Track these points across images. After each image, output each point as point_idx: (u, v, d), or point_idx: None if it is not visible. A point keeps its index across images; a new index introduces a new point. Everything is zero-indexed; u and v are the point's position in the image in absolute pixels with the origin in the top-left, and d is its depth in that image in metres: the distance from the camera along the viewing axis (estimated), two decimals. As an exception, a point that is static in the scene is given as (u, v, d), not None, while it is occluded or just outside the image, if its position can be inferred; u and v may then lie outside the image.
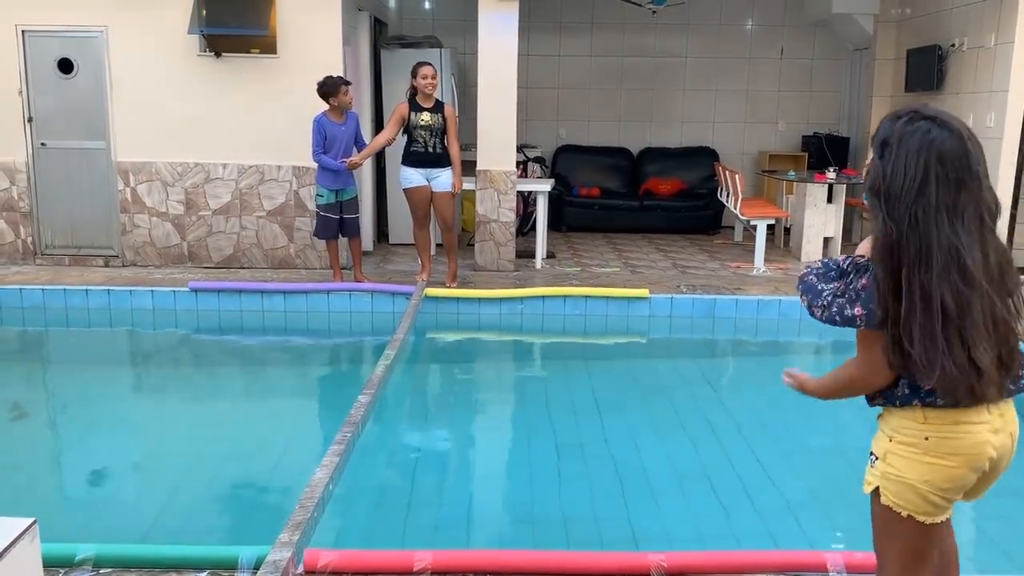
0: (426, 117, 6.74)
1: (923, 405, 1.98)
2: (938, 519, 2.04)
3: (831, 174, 8.67)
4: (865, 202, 2.00)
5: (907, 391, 1.99)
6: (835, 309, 2.00)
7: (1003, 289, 1.95)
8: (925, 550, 2.07)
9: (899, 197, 1.90)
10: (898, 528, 2.05)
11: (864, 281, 1.96)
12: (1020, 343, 2.00)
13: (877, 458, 2.07)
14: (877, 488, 2.07)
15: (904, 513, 2.03)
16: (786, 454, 4.47)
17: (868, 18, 9.74)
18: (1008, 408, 2.04)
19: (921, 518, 2.02)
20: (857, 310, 1.96)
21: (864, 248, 2.02)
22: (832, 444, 4.74)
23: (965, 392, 1.92)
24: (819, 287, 2.05)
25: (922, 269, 1.88)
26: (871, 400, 2.09)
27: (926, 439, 1.98)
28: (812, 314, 2.07)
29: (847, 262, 2.03)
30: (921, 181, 1.88)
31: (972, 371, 1.90)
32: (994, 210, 1.96)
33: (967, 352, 1.89)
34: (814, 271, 2.09)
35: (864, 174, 2.06)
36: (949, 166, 1.88)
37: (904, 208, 1.89)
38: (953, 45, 8.42)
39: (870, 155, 2.05)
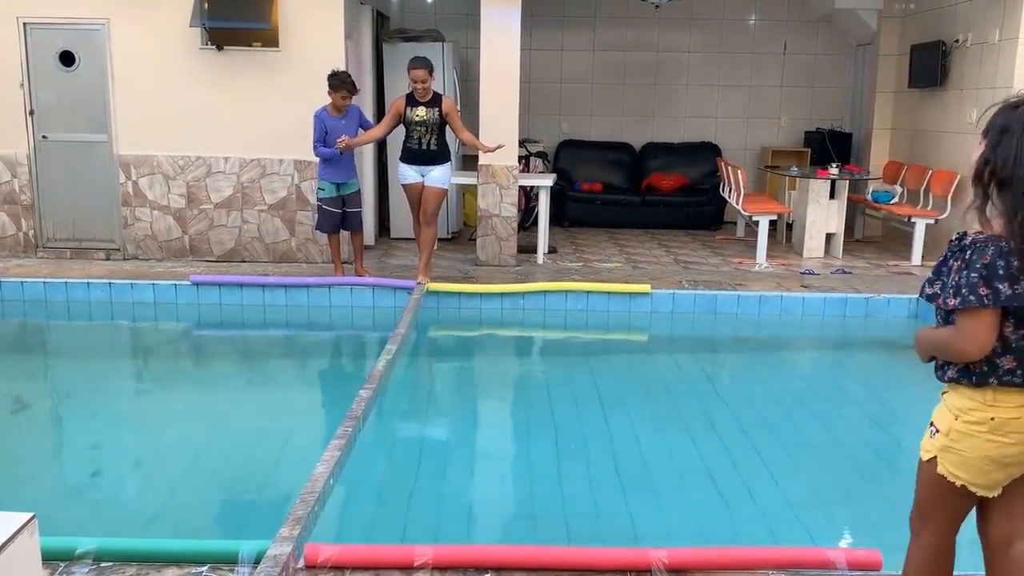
0: (421, 112, 6.61)
1: (999, 384, 2.09)
2: (989, 494, 2.18)
3: (834, 170, 8.65)
4: (978, 185, 2.08)
5: (985, 368, 2.10)
6: (968, 293, 2.04)
7: None
8: (965, 512, 2.25)
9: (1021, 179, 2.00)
10: (949, 495, 2.20)
11: (987, 258, 2.03)
12: None
13: (939, 431, 2.19)
14: (934, 457, 2.20)
15: (958, 483, 2.17)
16: (788, 450, 4.46)
17: (872, 13, 9.71)
18: None
19: (974, 489, 2.16)
20: (984, 290, 2.02)
21: (984, 229, 2.08)
22: (834, 440, 4.73)
23: None
24: (943, 277, 2.12)
25: None
26: (942, 373, 2.19)
27: (992, 419, 2.10)
28: (943, 303, 2.12)
29: (963, 240, 2.10)
30: None
31: None
32: None
33: None
34: (934, 273, 2.17)
35: (978, 162, 2.11)
36: None
37: None
38: (957, 41, 8.40)
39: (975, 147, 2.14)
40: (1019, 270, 2.00)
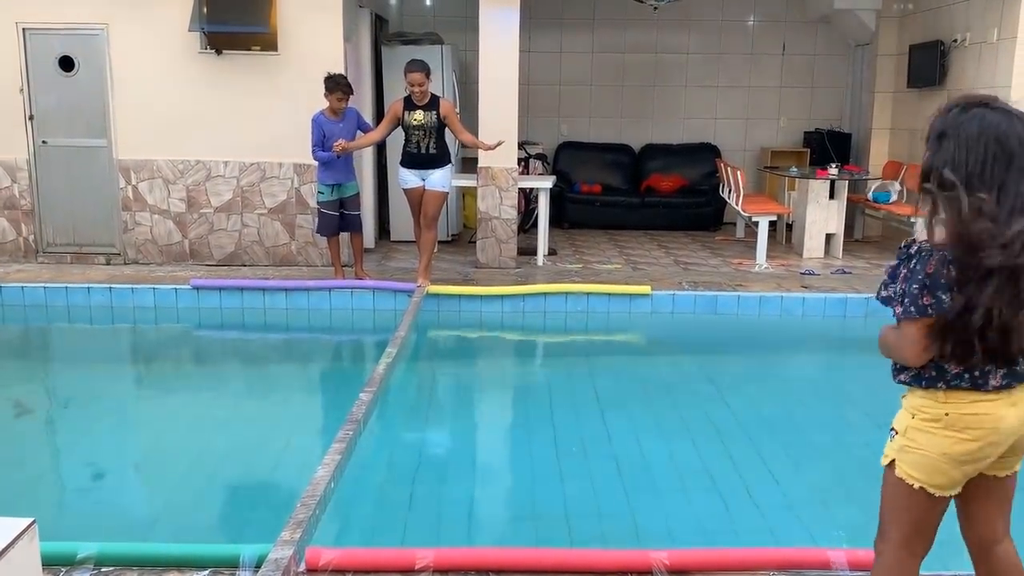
0: (419, 116, 6.58)
1: (947, 388, 2.09)
2: (947, 493, 2.15)
3: (833, 170, 8.65)
4: (924, 193, 2.07)
5: (934, 373, 2.10)
6: (908, 298, 2.05)
7: None
8: (927, 525, 2.19)
9: (963, 180, 1.98)
10: (907, 499, 2.17)
11: (931, 267, 2.02)
12: None
13: (897, 433, 2.19)
14: (893, 461, 2.19)
15: (916, 485, 2.14)
16: (788, 451, 4.46)
17: (870, 14, 9.71)
18: None
19: (932, 490, 2.14)
20: (927, 300, 2.02)
21: (930, 237, 2.06)
22: (835, 441, 4.73)
23: (987, 379, 2.06)
24: (891, 284, 2.12)
25: (976, 248, 1.95)
26: (896, 376, 2.20)
27: (946, 415, 2.09)
28: (890, 308, 2.13)
29: (910, 248, 2.09)
30: (982, 162, 1.97)
31: (1002, 359, 2.03)
32: None
33: (1002, 340, 1.99)
34: (888, 276, 2.16)
35: (922, 169, 2.10)
36: (1006, 145, 1.98)
37: (967, 189, 1.97)
38: (955, 40, 8.40)
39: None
40: (955, 278, 1.99)
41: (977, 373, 2.06)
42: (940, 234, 2.02)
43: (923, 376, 2.12)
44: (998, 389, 2.07)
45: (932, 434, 2.11)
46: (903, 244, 2.12)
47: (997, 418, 2.07)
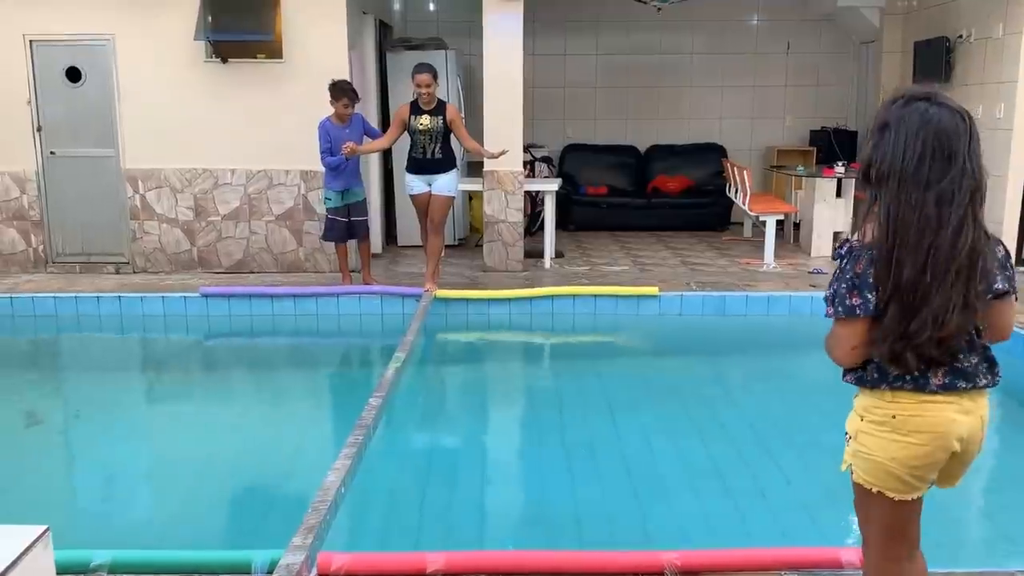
0: (425, 121, 6.59)
1: (891, 389, 2.03)
2: (908, 496, 2.08)
3: (840, 168, 8.63)
4: (859, 188, 2.04)
5: (876, 375, 2.05)
6: (837, 304, 2.01)
7: (970, 279, 1.95)
8: (900, 526, 2.13)
9: (899, 176, 1.93)
10: (871, 505, 2.12)
11: (860, 267, 1.98)
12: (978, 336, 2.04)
13: (851, 437, 2.14)
14: (849, 466, 2.15)
15: (874, 490, 2.09)
16: (799, 450, 4.45)
17: (874, 11, 9.69)
18: (980, 394, 2.06)
19: (891, 494, 2.07)
20: (856, 300, 1.98)
21: (864, 235, 2.03)
22: (844, 441, 4.71)
23: (923, 379, 2.00)
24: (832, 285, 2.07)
25: (905, 248, 1.91)
26: (844, 376, 2.14)
27: (893, 417, 2.03)
28: (827, 311, 2.08)
29: (843, 247, 2.05)
30: (919, 157, 1.92)
31: (931, 359, 1.97)
32: (983, 190, 1.97)
33: (930, 337, 1.93)
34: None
35: (862, 163, 2.07)
36: (946, 142, 1.92)
37: (903, 186, 1.92)
38: (961, 36, 8.37)
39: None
40: (880, 277, 1.94)
41: (917, 373, 2.00)
42: (870, 231, 1.99)
43: (866, 377, 2.07)
44: (944, 389, 2.01)
45: (879, 438, 2.05)
46: (839, 243, 2.10)
47: (947, 420, 2.01)
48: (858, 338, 2.00)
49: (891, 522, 2.12)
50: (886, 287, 1.94)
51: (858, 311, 1.98)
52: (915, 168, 1.91)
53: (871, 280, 1.95)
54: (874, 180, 1.98)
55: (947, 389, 2.01)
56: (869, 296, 1.96)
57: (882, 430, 2.05)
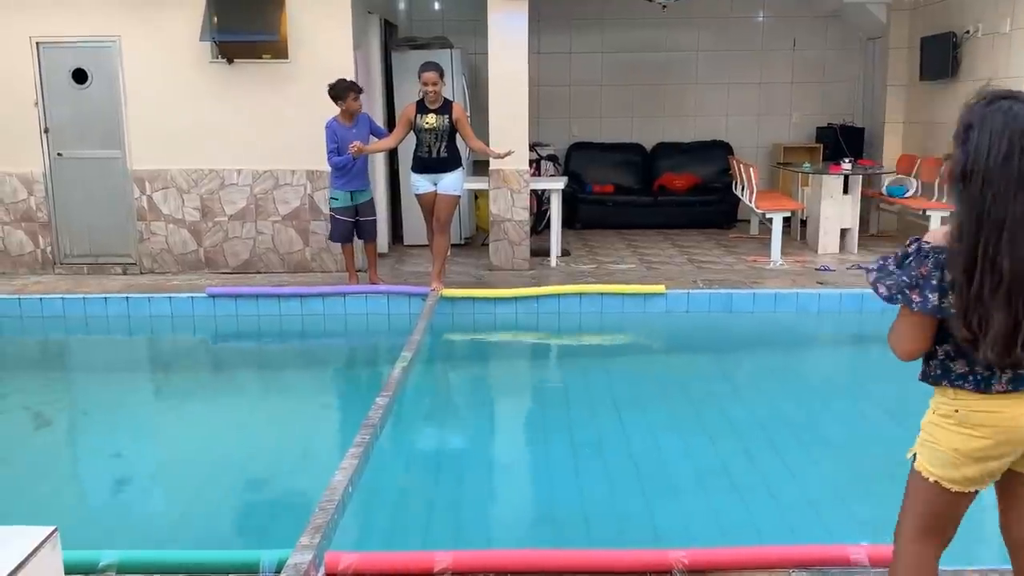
0: (431, 120, 6.58)
1: (952, 387, 2.09)
2: (964, 489, 2.13)
3: (846, 165, 8.60)
4: (948, 191, 2.06)
5: (939, 372, 2.11)
6: (895, 290, 2.05)
7: None
8: (942, 520, 2.18)
9: (983, 175, 1.94)
10: (924, 492, 2.17)
11: (925, 269, 2.01)
12: None
13: (921, 428, 2.21)
14: (916, 454, 2.21)
15: (931, 479, 2.14)
16: (807, 447, 4.44)
17: (881, 7, 9.65)
18: None
19: (946, 484, 2.12)
20: (916, 296, 2.01)
21: (936, 237, 2.05)
22: (853, 437, 4.70)
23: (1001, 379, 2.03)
24: (890, 267, 2.10)
25: (997, 246, 1.92)
26: (920, 377, 2.20)
27: (956, 411, 2.09)
28: (876, 290, 2.11)
29: (912, 245, 2.08)
30: (1005, 156, 1.93)
31: (1002, 365, 1.99)
32: None
33: (1002, 346, 1.95)
34: (886, 258, 2.15)
35: (950, 164, 2.08)
36: None
37: (987, 185, 1.94)
38: (968, 32, 8.34)
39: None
40: (950, 281, 1.96)
41: (980, 376, 2.04)
42: (942, 235, 2.01)
43: (929, 373, 2.13)
44: (1004, 393, 2.04)
45: (945, 429, 2.11)
46: (910, 239, 2.11)
47: (1010, 416, 2.04)
48: (919, 333, 2.06)
49: (937, 511, 2.17)
50: (957, 289, 1.96)
51: (914, 305, 2.01)
52: (1001, 167, 1.92)
53: (935, 282, 1.99)
54: (959, 180, 2.00)
55: (1013, 390, 2.05)
56: (930, 296, 1.99)
57: (948, 422, 2.11)
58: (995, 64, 7.90)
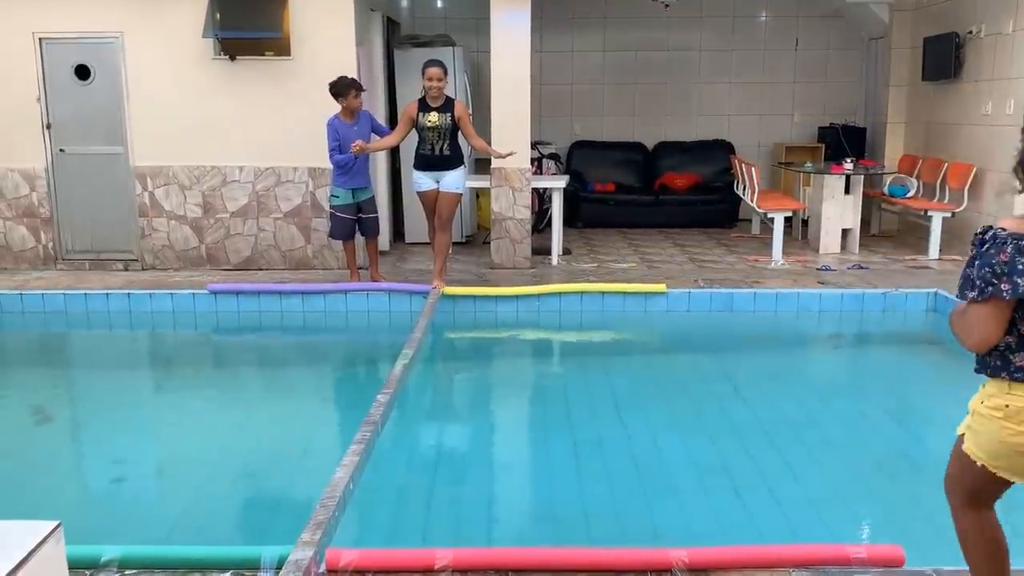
0: (433, 118, 6.58)
1: (1010, 379, 2.14)
2: (1010, 477, 2.22)
3: (848, 165, 8.61)
4: (1020, 178, 2.16)
5: (999, 363, 2.15)
6: (984, 284, 2.06)
7: None
8: (990, 495, 2.30)
9: None
10: (971, 472, 2.27)
11: (1006, 255, 2.04)
12: None
13: (970, 412, 2.27)
14: (963, 435, 2.28)
15: (979, 463, 2.24)
16: (807, 447, 4.45)
17: (883, 7, 9.65)
18: None
19: (994, 470, 2.21)
20: (1005, 285, 2.04)
21: (1009, 224, 2.08)
22: (853, 437, 4.71)
23: None
24: (967, 273, 2.14)
25: None
26: (975, 368, 2.26)
27: (1007, 406, 2.14)
28: (964, 297, 2.15)
29: (987, 233, 2.11)
30: None
31: None
32: None
33: None
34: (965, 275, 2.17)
35: (1019, 152, 2.13)
36: None
37: None
38: (971, 32, 8.33)
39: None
40: None
41: None
42: (1014, 223, 2.07)
43: (989, 364, 2.17)
44: None
45: (991, 421, 2.17)
46: (979, 231, 2.15)
47: None
48: (994, 323, 2.09)
49: (985, 489, 2.28)
50: None
51: (1006, 294, 2.04)
52: None
53: (1021, 267, 2.02)
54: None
55: None
56: (1019, 281, 2.02)
57: (995, 415, 2.16)
58: (998, 65, 7.90)
